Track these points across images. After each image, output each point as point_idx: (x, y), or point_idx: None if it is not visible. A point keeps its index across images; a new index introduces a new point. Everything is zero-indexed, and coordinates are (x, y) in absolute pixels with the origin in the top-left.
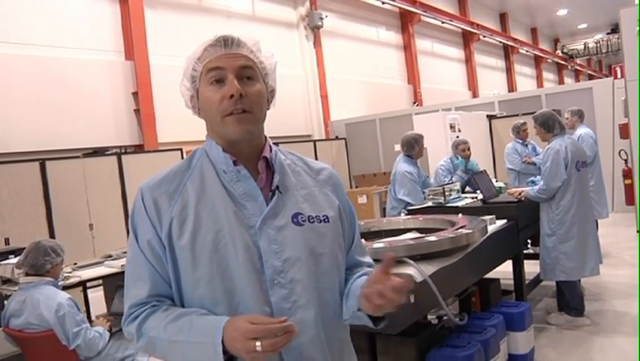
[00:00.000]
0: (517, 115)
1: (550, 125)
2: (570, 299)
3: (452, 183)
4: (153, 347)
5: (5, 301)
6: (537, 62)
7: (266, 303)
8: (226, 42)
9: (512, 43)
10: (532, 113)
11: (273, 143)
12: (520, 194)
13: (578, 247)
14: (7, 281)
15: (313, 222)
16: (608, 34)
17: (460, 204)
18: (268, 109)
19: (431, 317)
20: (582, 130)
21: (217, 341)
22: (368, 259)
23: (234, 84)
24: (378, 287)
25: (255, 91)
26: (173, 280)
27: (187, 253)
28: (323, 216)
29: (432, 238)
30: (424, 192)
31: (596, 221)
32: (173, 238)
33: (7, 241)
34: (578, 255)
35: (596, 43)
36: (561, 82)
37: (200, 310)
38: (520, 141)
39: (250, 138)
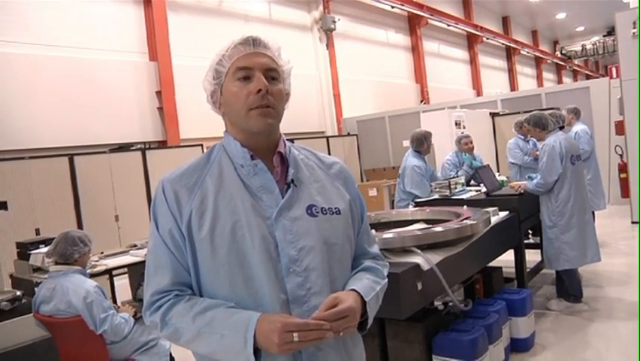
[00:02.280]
0: (519, 113)
1: (543, 124)
2: (569, 286)
3: (457, 177)
4: (178, 337)
5: (36, 289)
6: (537, 62)
7: (282, 290)
8: (255, 42)
9: (514, 45)
10: (534, 111)
11: (290, 139)
12: (519, 187)
13: (579, 236)
14: (37, 269)
15: (326, 213)
16: (604, 36)
17: (464, 196)
18: (283, 109)
19: (437, 303)
20: (579, 127)
21: (249, 335)
22: (375, 250)
23: (262, 80)
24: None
25: (278, 90)
26: (192, 269)
27: (206, 243)
28: (335, 208)
29: (438, 228)
30: (430, 186)
31: (593, 213)
32: (193, 228)
33: (37, 232)
34: (579, 243)
35: (593, 45)
36: (560, 81)
37: (227, 303)
38: (522, 137)
39: (270, 132)
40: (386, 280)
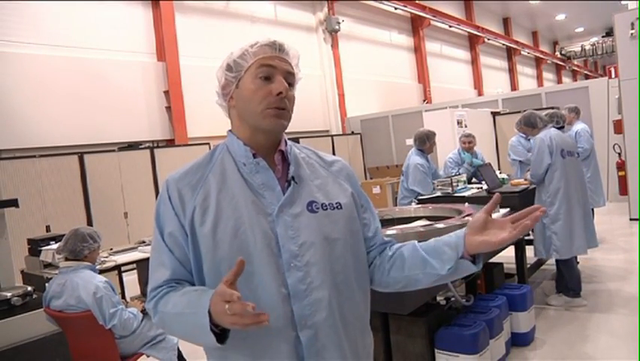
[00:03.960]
0: (520, 112)
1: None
2: (568, 280)
3: (459, 174)
4: (164, 323)
5: (46, 284)
6: (537, 62)
7: (283, 285)
8: (280, 47)
9: (515, 46)
10: (534, 110)
11: (295, 138)
12: (526, 177)
13: (566, 228)
14: (48, 265)
15: (327, 209)
16: (603, 37)
17: (466, 194)
18: None
19: (440, 299)
20: (579, 125)
21: (204, 310)
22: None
23: (284, 84)
24: (513, 217)
25: (293, 96)
26: (194, 266)
27: (209, 238)
28: (336, 203)
29: (440, 225)
30: (433, 183)
31: (592, 209)
32: (196, 225)
33: (48, 228)
34: (566, 235)
35: (592, 45)
36: (560, 81)
37: (202, 288)
38: (524, 135)
39: (280, 132)
40: None
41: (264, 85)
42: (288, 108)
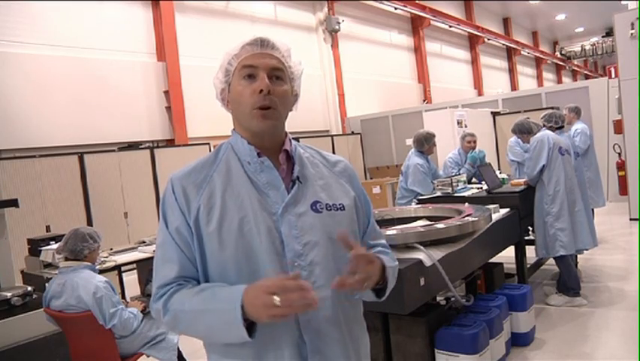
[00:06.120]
0: (520, 112)
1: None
2: (567, 279)
3: (459, 174)
4: (178, 321)
5: (46, 284)
6: (537, 62)
7: None
8: (262, 43)
9: (515, 46)
10: (534, 110)
11: (295, 138)
12: (524, 182)
13: (570, 223)
14: (48, 265)
15: (330, 210)
16: (603, 37)
17: (466, 194)
18: (291, 110)
19: (440, 299)
20: (579, 125)
21: (237, 305)
22: (382, 242)
23: (265, 81)
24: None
25: (282, 90)
26: (199, 264)
27: (214, 237)
28: (339, 204)
29: (440, 225)
30: (433, 183)
31: (592, 210)
32: (201, 224)
33: (48, 228)
34: (570, 230)
35: (592, 45)
36: (560, 81)
37: (222, 284)
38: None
39: (272, 132)
40: (397, 262)
41: (248, 85)
42: (274, 105)
